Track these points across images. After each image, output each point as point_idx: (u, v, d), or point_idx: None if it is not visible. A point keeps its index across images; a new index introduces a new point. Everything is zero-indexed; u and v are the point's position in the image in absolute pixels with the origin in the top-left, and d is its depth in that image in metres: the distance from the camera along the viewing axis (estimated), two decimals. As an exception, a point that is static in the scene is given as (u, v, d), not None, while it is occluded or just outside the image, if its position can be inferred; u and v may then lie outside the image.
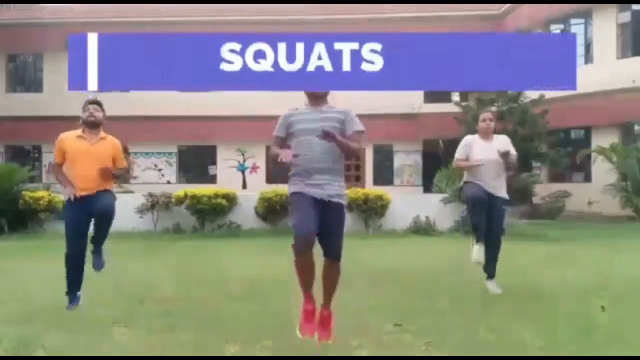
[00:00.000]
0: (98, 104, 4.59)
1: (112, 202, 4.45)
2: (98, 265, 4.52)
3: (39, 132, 20.90)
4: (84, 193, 4.31)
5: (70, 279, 4.36)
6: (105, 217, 4.38)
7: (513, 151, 5.00)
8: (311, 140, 3.28)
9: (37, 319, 3.99)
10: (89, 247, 4.50)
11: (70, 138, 4.47)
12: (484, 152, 4.96)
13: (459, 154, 5.14)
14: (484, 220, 4.98)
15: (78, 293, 4.40)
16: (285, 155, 3.16)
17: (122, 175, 4.76)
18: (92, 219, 4.38)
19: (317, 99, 3.45)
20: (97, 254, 4.53)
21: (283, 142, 3.46)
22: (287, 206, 11.62)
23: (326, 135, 3.14)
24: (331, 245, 3.35)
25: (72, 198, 4.27)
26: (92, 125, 4.47)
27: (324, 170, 3.30)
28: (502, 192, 5.04)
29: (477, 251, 5.00)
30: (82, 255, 4.36)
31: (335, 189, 3.33)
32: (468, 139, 5.18)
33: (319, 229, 3.26)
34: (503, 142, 5.06)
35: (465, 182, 5.18)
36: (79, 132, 4.49)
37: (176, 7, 21.08)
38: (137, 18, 20.85)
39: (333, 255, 3.35)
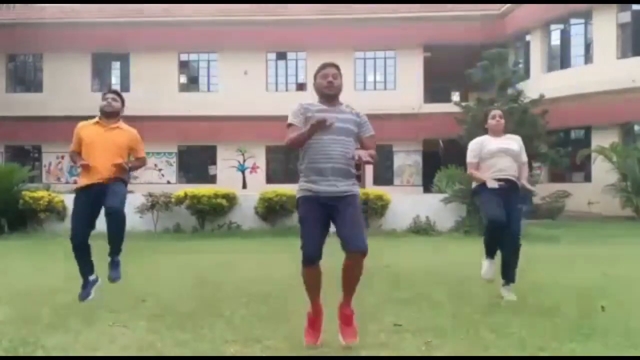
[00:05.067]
0: (117, 93, 4.61)
1: (123, 197, 4.45)
2: (114, 276, 4.46)
3: (39, 132, 20.95)
4: (96, 180, 4.33)
5: (78, 263, 4.41)
6: (114, 216, 4.33)
7: (524, 157, 4.84)
8: (330, 139, 3.18)
9: (37, 319, 3.99)
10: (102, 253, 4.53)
11: (86, 125, 4.52)
12: (499, 143, 4.75)
13: (470, 156, 4.86)
14: (498, 242, 4.76)
15: (91, 277, 4.41)
16: (327, 119, 3.02)
17: (138, 167, 4.70)
18: (101, 211, 4.40)
19: (330, 98, 3.33)
20: (113, 266, 4.47)
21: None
22: (293, 207, 11.65)
23: (363, 161, 3.07)
24: (353, 234, 3.12)
25: (85, 167, 4.34)
26: (110, 114, 4.49)
27: (339, 172, 3.22)
28: (522, 181, 4.77)
29: (488, 267, 4.80)
30: (85, 240, 4.39)
31: (349, 186, 3.25)
32: (477, 140, 4.92)
33: (337, 225, 3.19)
34: (516, 141, 4.86)
35: (477, 187, 4.84)
36: (96, 119, 4.52)
37: (176, 7, 21.08)
38: (138, 18, 20.88)
39: (356, 245, 3.09)
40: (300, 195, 3.32)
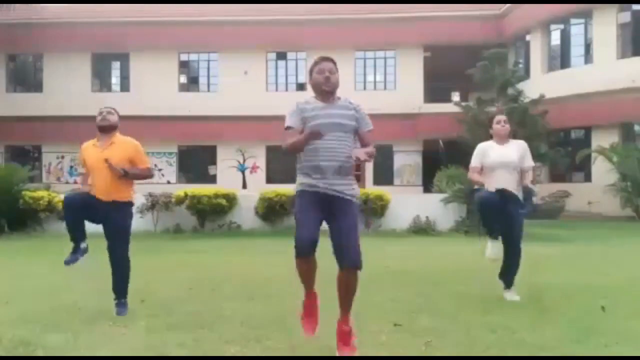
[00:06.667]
0: (112, 108, 4.47)
1: (127, 237, 4.29)
2: (120, 313, 4.21)
3: (39, 132, 20.96)
4: (100, 198, 4.19)
5: (69, 225, 4.16)
6: (119, 264, 4.25)
7: (529, 161, 4.76)
8: (328, 137, 3.08)
9: (37, 319, 3.99)
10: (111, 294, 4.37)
11: (87, 147, 4.36)
12: (499, 154, 4.70)
13: (473, 162, 4.85)
14: (495, 215, 4.65)
15: (82, 245, 4.19)
16: (317, 131, 2.96)
17: (139, 176, 4.39)
18: (97, 217, 4.21)
19: (327, 94, 3.24)
20: (119, 306, 4.27)
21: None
22: (290, 205, 11.68)
23: (361, 161, 2.99)
24: (346, 249, 3.03)
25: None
26: (106, 129, 4.30)
27: (338, 170, 3.13)
28: (518, 194, 4.70)
29: (491, 246, 4.72)
30: (80, 205, 4.14)
31: (349, 189, 3.17)
32: (482, 145, 4.88)
33: (332, 231, 3.13)
34: (520, 147, 4.78)
35: (476, 188, 4.86)
36: (95, 140, 4.36)
37: (176, 7, 21.08)
38: (138, 18, 20.87)
39: (349, 262, 3.03)
40: (298, 189, 3.21)
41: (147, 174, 4.45)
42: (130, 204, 4.38)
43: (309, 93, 3.40)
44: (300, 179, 3.23)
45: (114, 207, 4.21)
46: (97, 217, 4.22)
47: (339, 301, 3.17)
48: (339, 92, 3.34)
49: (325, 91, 3.23)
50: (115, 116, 4.39)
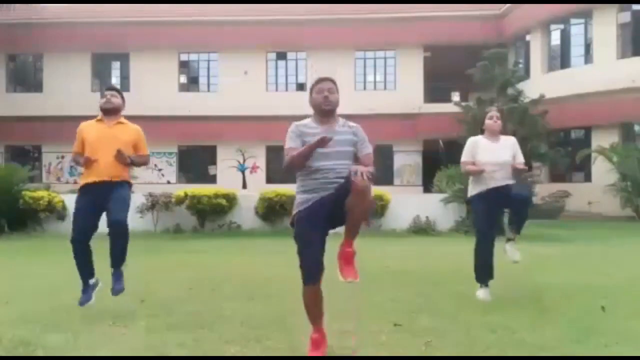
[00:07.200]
0: (116, 90, 4.50)
1: (127, 207, 4.29)
2: (117, 288, 4.19)
3: (39, 132, 20.97)
4: (100, 179, 4.17)
5: (78, 265, 4.24)
6: (119, 230, 4.18)
7: (520, 157, 4.76)
8: (328, 165, 3.04)
9: (37, 319, 3.99)
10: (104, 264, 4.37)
11: (88, 125, 4.36)
12: (491, 154, 4.68)
13: (464, 156, 4.84)
14: (491, 258, 4.71)
15: (91, 281, 4.25)
16: (325, 138, 2.84)
17: (140, 163, 4.48)
18: (102, 213, 4.22)
19: (327, 114, 3.20)
20: (116, 277, 4.23)
21: None
22: (291, 206, 11.68)
23: (357, 174, 2.84)
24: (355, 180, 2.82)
25: (88, 161, 4.17)
26: (110, 111, 4.33)
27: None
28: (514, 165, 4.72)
29: (484, 294, 4.69)
30: (87, 241, 4.22)
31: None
32: (473, 140, 4.87)
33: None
34: (510, 144, 4.79)
35: (472, 197, 4.82)
36: (97, 118, 4.38)
37: (176, 7, 21.09)
38: (138, 18, 20.88)
39: (357, 183, 2.79)
40: (298, 209, 3.13)
41: (146, 161, 4.59)
42: (129, 184, 4.43)
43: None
44: (299, 197, 3.15)
45: (115, 184, 4.23)
46: (103, 204, 4.18)
47: (347, 227, 3.01)
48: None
49: (325, 110, 3.19)
50: (119, 99, 4.43)
